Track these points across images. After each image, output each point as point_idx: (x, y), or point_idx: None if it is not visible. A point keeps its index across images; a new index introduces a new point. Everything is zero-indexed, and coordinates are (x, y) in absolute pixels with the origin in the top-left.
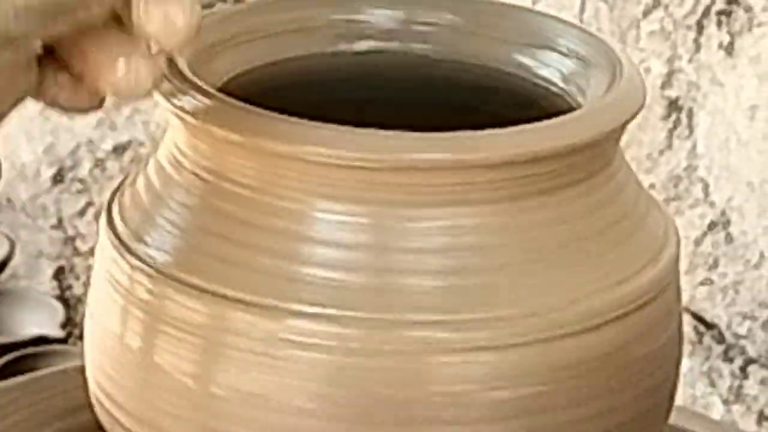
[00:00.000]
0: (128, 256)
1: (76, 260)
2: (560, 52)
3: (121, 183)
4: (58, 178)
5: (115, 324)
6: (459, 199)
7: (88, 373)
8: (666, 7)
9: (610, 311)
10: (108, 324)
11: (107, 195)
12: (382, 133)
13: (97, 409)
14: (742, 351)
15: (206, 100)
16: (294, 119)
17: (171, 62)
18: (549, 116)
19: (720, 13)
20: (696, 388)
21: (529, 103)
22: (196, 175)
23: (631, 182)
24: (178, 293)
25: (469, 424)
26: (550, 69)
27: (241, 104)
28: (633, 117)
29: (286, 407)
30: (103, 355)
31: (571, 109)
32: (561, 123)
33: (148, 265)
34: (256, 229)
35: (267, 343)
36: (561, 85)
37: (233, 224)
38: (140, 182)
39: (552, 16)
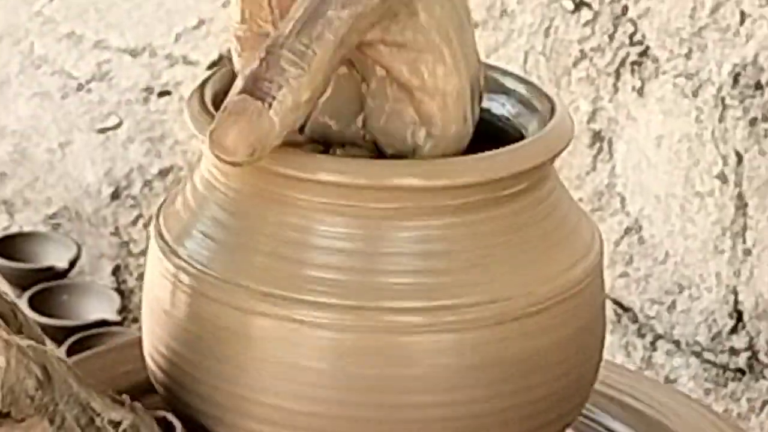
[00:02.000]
0: (172, 257)
1: (130, 260)
2: (509, 96)
3: (165, 199)
4: (115, 195)
5: (164, 308)
6: (428, 213)
7: (144, 344)
8: (591, 59)
9: (551, 297)
10: (158, 307)
11: (154, 209)
12: (369, 161)
13: (150, 371)
14: (652, 329)
15: None
16: (303, 152)
17: (201, 100)
18: (501, 145)
19: (633, 63)
20: (616, 357)
21: (486, 135)
22: (224, 194)
23: (564, 196)
24: (211, 286)
25: (439, 392)
26: (501, 109)
27: None
28: (564, 148)
29: (297, 374)
30: (155, 331)
31: (518, 139)
32: (509, 152)
33: (187, 263)
34: (272, 238)
35: (282, 324)
36: (510, 121)
37: (254, 233)
38: (179, 200)
39: (502, 68)
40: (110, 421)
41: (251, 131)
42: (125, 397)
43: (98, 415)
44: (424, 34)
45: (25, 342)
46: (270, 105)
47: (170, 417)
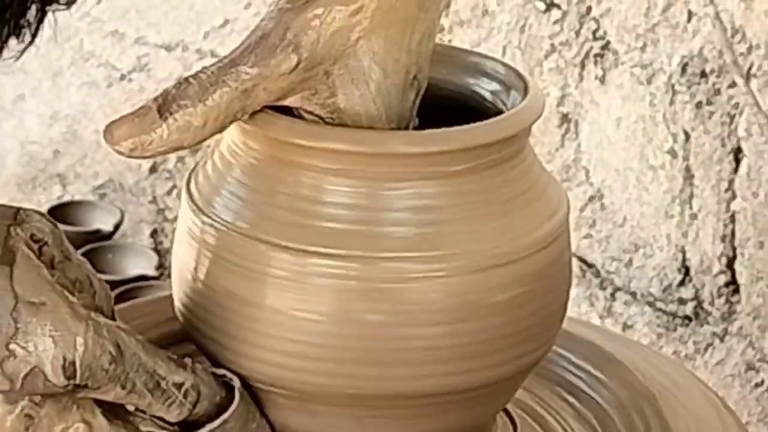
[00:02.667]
0: (201, 216)
1: (165, 224)
2: (490, 78)
3: (195, 167)
4: (153, 170)
5: (191, 262)
6: (422, 176)
7: (174, 297)
8: (560, 52)
9: (525, 249)
10: (187, 263)
11: (185, 177)
12: (369, 131)
13: (181, 320)
14: (612, 282)
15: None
16: (313, 124)
17: None
18: (483, 119)
19: (596, 55)
20: (581, 307)
21: (469, 110)
22: (246, 161)
23: (536, 164)
24: (235, 240)
25: (429, 328)
26: (483, 89)
27: (276, 113)
28: (537, 119)
29: (308, 314)
30: (183, 284)
31: (497, 113)
32: (490, 124)
33: (214, 220)
34: (287, 198)
35: (296, 272)
36: (490, 99)
37: (272, 194)
38: (209, 165)
39: (485, 54)
40: (174, 384)
41: (139, 132)
42: (187, 360)
43: (163, 379)
44: (339, 113)
45: (101, 320)
46: (165, 119)
47: (229, 375)
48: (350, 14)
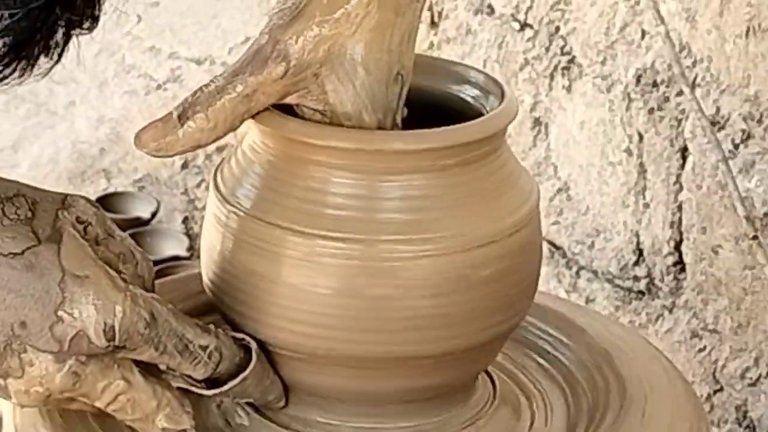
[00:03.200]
0: (226, 204)
1: (195, 212)
2: (472, 85)
3: (221, 163)
4: (184, 166)
5: (217, 244)
6: (413, 170)
7: (203, 273)
8: (532, 65)
9: (503, 232)
10: (213, 245)
11: (212, 172)
12: (367, 132)
13: (208, 293)
14: (576, 262)
15: (270, 115)
16: (321, 126)
17: None
18: (465, 120)
19: (563, 68)
20: (550, 284)
21: (455, 112)
22: (265, 158)
23: (512, 160)
24: (255, 225)
25: (419, 300)
26: (466, 95)
27: (289, 117)
28: (512, 120)
29: (316, 288)
30: (210, 262)
31: (478, 115)
32: (472, 125)
33: (236, 208)
34: (299, 188)
35: (306, 252)
36: (472, 103)
37: (286, 186)
38: (233, 161)
39: (465, 64)
40: (200, 346)
41: (162, 135)
42: (211, 326)
43: (190, 342)
44: (331, 107)
45: (137, 291)
46: (183, 123)
47: (247, 339)
48: (330, 25)
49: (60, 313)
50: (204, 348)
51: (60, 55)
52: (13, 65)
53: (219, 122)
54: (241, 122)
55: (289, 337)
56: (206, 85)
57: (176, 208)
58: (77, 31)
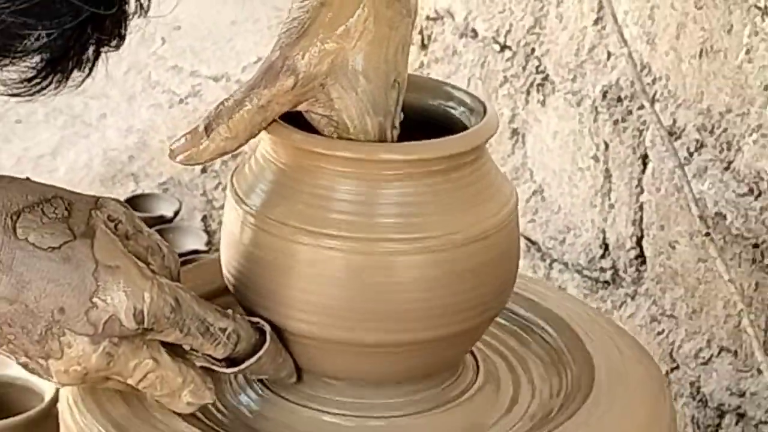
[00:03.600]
0: (242, 205)
1: (213, 212)
2: (458, 102)
3: (236, 168)
4: (203, 170)
5: (235, 240)
6: (407, 177)
7: (222, 264)
8: (511, 82)
9: (486, 231)
10: (231, 241)
11: (229, 176)
12: (366, 144)
13: (227, 283)
14: (550, 256)
15: (280, 127)
16: (326, 139)
17: None
18: (452, 134)
19: (538, 85)
20: (526, 273)
21: (444, 125)
22: (276, 165)
23: (493, 167)
24: (267, 224)
25: (414, 292)
26: (453, 110)
27: (297, 129)
28: (492, 134)
29: (324, 281)
30: (228, 256)
31: (463, 129)
32: (458, 138)
33: (252, 209)
34: (306, 193)
35: (314, 249)
36: (458, 117)
37: (296, 190)
38: (247, 168)
39: (454, 85)
40: (220, 328)
41: (191, 147)
42: (229, 310)
43: (211, 325)
44: (337, 112)
45: (163, 280)
46: (209, 135)
47: (262, 323)
48: (333, 41)
49: (94, 299)
50: (223, 330)
51: (91, 69)
52: (50, 78)
53: (240, 132)
54: (260, 131)
55: (299, 323)
56: (226, 100)
57: (196, 207)
58: (106, 48)
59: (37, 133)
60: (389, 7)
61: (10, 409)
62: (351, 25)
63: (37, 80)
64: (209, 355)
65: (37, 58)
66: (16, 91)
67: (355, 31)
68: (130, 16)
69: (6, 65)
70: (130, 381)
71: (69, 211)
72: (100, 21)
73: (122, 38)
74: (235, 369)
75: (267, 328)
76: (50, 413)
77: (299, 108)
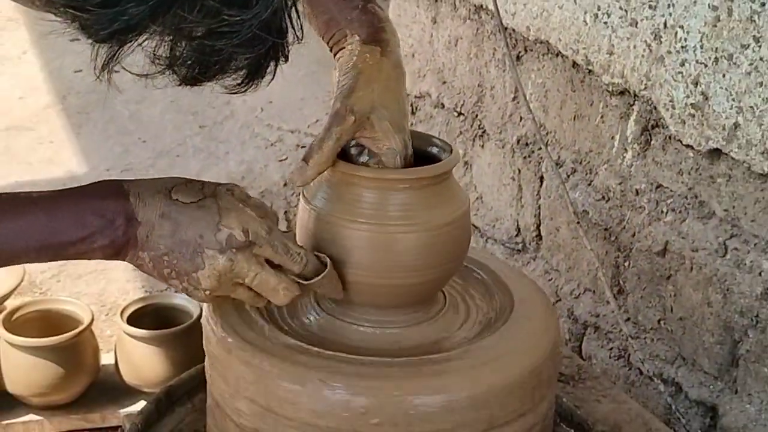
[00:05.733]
0: (309, 205)
1: (290, 209)
2: (435, 145)
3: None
4: (284, 184)
5: (304, 227)
6: (406, 188)
7: (297, 240)
8: (463, 134)
9: (453, 221)
10: (302, 226)
11: (302, 189)
12: (381, 169)
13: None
14: (485, 234)
15: None
16: (356, 166)
17: None
18: (434, 162)
19: (479, 136)
20: (475, 245)
21: (428, 160)
22: (326, 181)
23: (455, 182)
24: (323, 217)
25: (410, 256)
26: (433, 150)
27: (338, 159)
28: (456, 164)
29: (356, 250)
30: (300, 236)
31: (439, 161)
32: (436, 166)
33: (315, 208)
34: (345, 198)
35: (350, 231)
36: (436, 154)
37: (339, 197)
38: (312, 183)
39: (433, 135)
40: (296, 252)
41: (300, 176)
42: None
43: (290, 248)
44: (375, 138)
45: (259, 218)
46: (308, 163)
47: (323, 256)
48: (370, 91)
49: (220, 226)
50: (298, 253)
51: (272, 77)
52: (250, 83)
53: (328, 158)
54: (335, 156)
55: (345, 273)
56: (314, 140)
57: (280, 207)
58: (281, 63)
59: (189, 163)
60: (394, 69)
61: (172, 324)
62: (377, 80)
63: (243, 85)
64: (289, 271)
65: (242, 72)
66: (233, 91)
67: (379, 84)
68: (291, 45)
69: (225, 77)
70: (246, 281)
71: (202, 186)
72: (276, 48)
73: (287, 58)
74: (305, 283)
75: (327, 259)
76: (196, 326)
77: (354, 138)
